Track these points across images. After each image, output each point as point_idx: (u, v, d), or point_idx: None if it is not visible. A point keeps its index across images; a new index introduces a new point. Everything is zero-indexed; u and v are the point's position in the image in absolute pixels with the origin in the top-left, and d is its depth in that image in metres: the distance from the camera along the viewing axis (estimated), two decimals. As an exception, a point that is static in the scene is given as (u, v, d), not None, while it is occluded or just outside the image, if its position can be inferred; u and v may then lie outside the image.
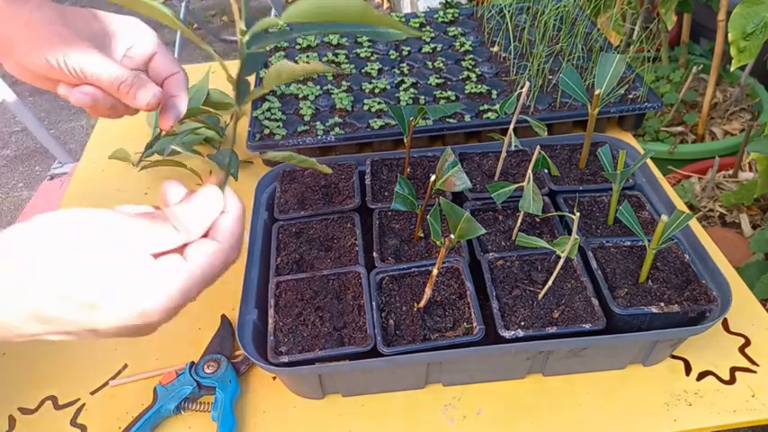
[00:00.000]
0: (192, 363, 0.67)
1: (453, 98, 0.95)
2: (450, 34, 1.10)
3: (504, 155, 0.75)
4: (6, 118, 2.70)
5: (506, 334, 0.60)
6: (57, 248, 0.37)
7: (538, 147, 0.65)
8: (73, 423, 0.65)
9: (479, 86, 0.96)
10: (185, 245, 0.42)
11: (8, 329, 0.38)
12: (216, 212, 0.43)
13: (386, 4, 3.49)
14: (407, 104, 0.94)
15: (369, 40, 1.09)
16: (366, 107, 0.93)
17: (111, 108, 0.58)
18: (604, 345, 0.62)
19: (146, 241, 0.40)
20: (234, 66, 0.46)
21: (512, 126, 0.71)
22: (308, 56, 1.05)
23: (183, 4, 2.60)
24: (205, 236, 0.43)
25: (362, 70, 1.02)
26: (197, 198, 0.43)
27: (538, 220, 0.73)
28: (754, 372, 0.65)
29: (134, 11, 0.41)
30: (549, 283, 0.63)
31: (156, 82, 0.59)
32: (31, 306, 0.37)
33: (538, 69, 0.94)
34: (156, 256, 0.41)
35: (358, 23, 0.36)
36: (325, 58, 1.05)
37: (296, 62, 0.43)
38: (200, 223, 0.42)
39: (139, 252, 0.40)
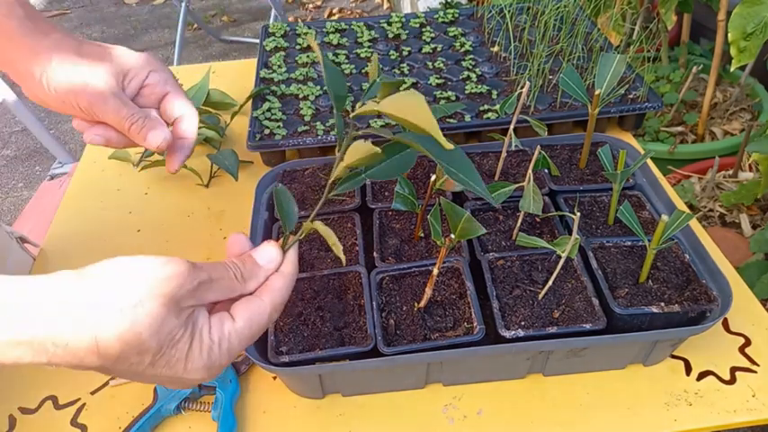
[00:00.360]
0: (193, 363, 0.67)
1: (453, 98, 0.95)
2: (451, 34, 1.10)
3: (504, 155, 0.75)
4: (6, 118, 2.70)
5: (507, 334, 0.60)
6: (128, 294, 0.38)
7: (538, 147, 0.65)
8: (73, 423, 0.65)
9: (479, 86, 0.96)
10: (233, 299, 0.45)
11: (73, 357, 0.38)
12: (271, 270, 0.46)
13: (386, 4, 3.49)
14: (407, 104, 0.94)
15: (368, 40, 1.09)
16: (366, 107, 0.93)
17: (124, 145, 0.59)
18: (605, 345, 0.62)
19: (208, 290, 0.42)
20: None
21: (512, 126, 0.71)
22: (308, 55, 1.05)
23: (183, 4, 2.60)
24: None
25: (362, 70, 1.02)
26: (258, 254, 0.46)
27: (538, 219, 0.73)
28: (755, 372, 0.65)
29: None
30: (550, 282, 0.63)
31: (167, 121, 0.59)
32: (98, 340, 0.37)
33: (538, 69, 0.94)
34: (212, 305, 0.44)
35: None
36: (325, 58, 1.04)
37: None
38: (256, 279, 0.45)
39: (197, 304, 0.41)
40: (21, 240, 0.83)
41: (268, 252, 0.46)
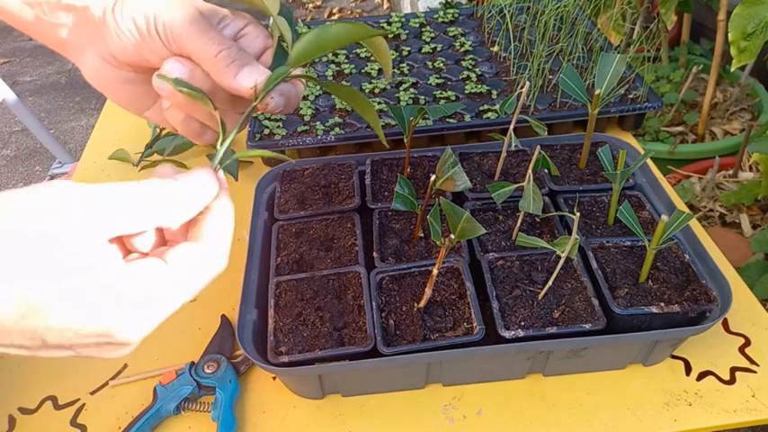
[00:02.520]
0: (192, 363, 0.67)
1: (453, 98, 0.95)
2: (451, 34, 1.10)
3: (504, 155, 0.75)
4: (6, 118, 2.70)
5: (506, 334, 0.60)
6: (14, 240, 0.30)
7: (538, 147, 0.65)
8: (73, 423, 0.65)
9: (479, 86, 0.96)
10: (163, 244, 0.37)
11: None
12: (205, 202, 0.37)
13: (386, 4, 3.49)
14: (407, 104, 0.94)
15: (369, 40, 1.09)
16: (366, 107, 0.93)
17: (208, 88, 0.45)
18: (604, 345, 0.62)
19: (115, 223, 0.33)
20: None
21: (512, 126, 0.71)
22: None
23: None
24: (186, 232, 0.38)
25: (362, 70, 1.02)
26: (187, 180, 0.37)
27: (538, 220, 0.73)
28: (755, 372, 0.65)
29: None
30: (550, 283, 0.63)
31: None
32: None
33: (538, 69, 0.94)
34: (127, 241, 0.35)
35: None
36: (325, 58, 1.05)
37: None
38: (186, 211, 0.36)
39: (104, 243, 0.33)
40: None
41: (200, 180, 0.37)
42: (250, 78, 0.43)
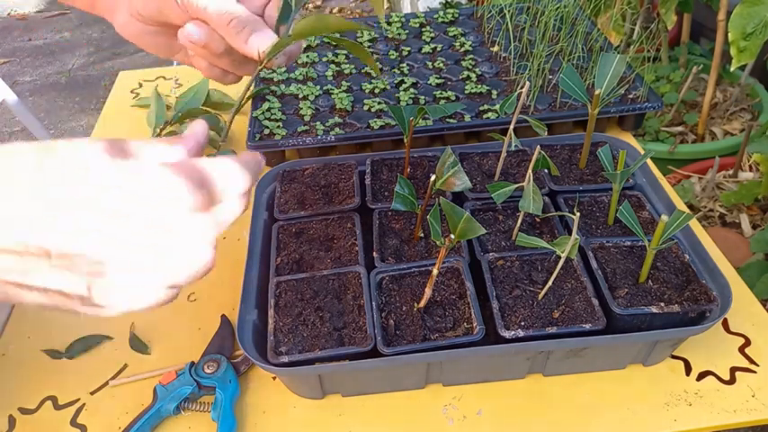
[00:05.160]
0: (192, 363, 0.67)
1: (453, 98, 0.95)
2: (451, 34, 1.10)
3: (504, 155, 0.75)
4: (6, 118, 2.70)
5: (506, 334, 0.60)
6: (83, 187, 0.35)
7: (538, 147, 0.65)
8: (73, 423, 0.65)
9: (479, 86, 0.96)
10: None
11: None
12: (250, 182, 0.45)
13: (386, 4, 3.49)
14: (407, 104, 0.94)
15: (368, 41, 1.09)
16: (366, 107, 0.93)
17: (223, 50, 0.52)
18: (604, 345, 0.62)
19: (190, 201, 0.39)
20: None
21: (512, 126, 0.71)
22: (308, 55, 1.05)
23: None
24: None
25: (362, 70, 1.02)
26: (242, 159, 0.43)
27: (538, 220, 0.73)
28: (755, 372, 0.65)
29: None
30: (550, 283, 0.63)
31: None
32: (38, 241, 0.34)
33: (538, 69, 0.94)
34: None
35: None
36: (324, 59, 1.05)
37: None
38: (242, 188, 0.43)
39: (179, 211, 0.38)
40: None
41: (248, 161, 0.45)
42: (258, 44, 0.50)
